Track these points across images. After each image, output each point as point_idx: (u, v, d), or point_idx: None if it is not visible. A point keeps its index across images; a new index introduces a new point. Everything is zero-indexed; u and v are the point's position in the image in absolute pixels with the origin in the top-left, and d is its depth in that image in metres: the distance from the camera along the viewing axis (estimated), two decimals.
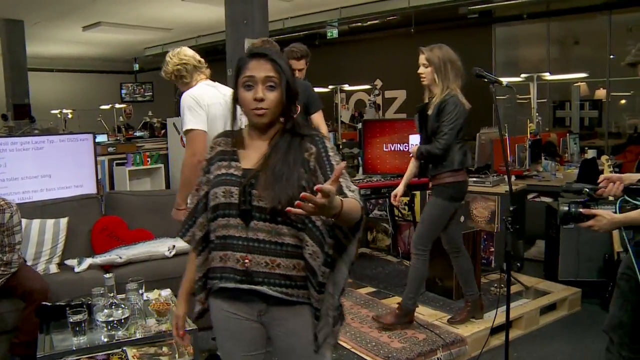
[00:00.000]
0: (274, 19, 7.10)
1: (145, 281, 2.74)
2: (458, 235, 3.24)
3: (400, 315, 3.16)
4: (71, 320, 2.30)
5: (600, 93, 8.05)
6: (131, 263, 3.37)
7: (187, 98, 2.67)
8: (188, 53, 2.84)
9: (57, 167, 3.95)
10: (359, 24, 9.17)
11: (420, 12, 8.09)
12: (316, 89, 3.83)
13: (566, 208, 2.03)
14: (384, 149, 4.54)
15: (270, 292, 1.45)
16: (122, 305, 2.40)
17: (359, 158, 4.99)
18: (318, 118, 3.53)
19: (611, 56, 7.47)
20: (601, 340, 2.30)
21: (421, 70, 2.99)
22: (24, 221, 3.18)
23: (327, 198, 1.15)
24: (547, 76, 6.26)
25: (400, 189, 3.20)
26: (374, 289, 3.93)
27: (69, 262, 3.34)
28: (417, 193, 4.54)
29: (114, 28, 9.58)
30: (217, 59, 5.55)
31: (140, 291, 2.65)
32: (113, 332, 2.34)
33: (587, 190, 2.05)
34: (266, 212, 1.43)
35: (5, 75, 9.43)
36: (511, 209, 2.34)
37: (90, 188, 4.04)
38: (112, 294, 2.47)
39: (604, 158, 3.28)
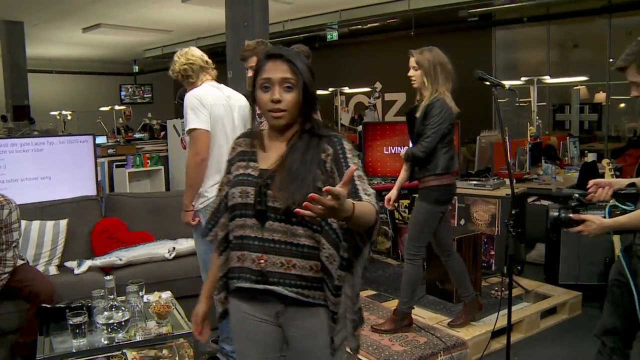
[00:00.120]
0: (274, 21, 7.09)
1: (146, 283, 2.72)
2: (448, 238, 3.23)
3: (398, 320, 3.15)
4: (71, 322, 2.29)
5: (600, 96, 8.07)
6: (131, 265, 3.37)
7: (190, 98, 2.68)
8: (196, 53, 2.87)
9: (56, 169, 3.94)
10: (359, 26, 9.18)
11: (421, 15, 8.09)
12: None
13: (556, 213, 2.04)
14: (384, 152, 4.54)
15: (285, 293, 1.45)
16: (122, 308, 2.39)
17: (359, 161, 4.98)
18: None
19: (611, 59, 7.48)
20: None
21: (411, 73, 3.00)
22: (23, 222, 3.17)
23: (337, 200, 1.13)
24: (548, 79, 6.27)
25: (393, 193, 3.19)
26: (374, 292, 3.92)
27: (68, 264, 3.34)
28: (417, 196, 4.53)
29: (113, 30, 9.58)
30: (218, 61, 5.50)
31: (141, 293, 2.64)
32: (113, 335, 2.33)
33: (577, 195, 2.06)
34: (281, 213, 1.43)
35: (5, 77, 9.43)
36: (513, 212, 2.33)
37: (90, 190, 4.04)
38: (112, 296, 2.46)
39: (605, 162, 3.28)
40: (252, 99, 1.52)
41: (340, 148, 1.47)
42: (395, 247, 4.79)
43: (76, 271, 3.25)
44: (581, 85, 8.02)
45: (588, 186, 2.07)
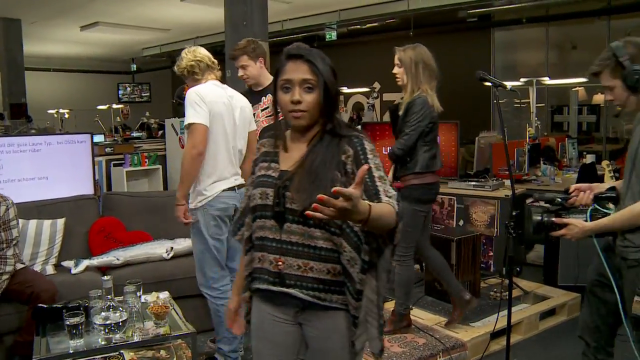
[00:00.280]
0: (272, 20, 7.07)
1: (143, 283, 2.71)
2: (425, 240, 3.21)
3: (396, 321, 3.14)
4: (68, 322, 2.26)
5: (598, 98, 8.06)
6: (129, 265, 3.35)
7: (191, 94, 2.69)
8: (203, 52, 2.90)
9: (54, 169, 3.92)
10: (358, 26, 9.17)
11: (420, 15, 8.08)
12: None
13: (539, 218, 2.10)
14: (383, 152, 4.53)
15: (301, 296, 1.45)
16: (120, 308, 2.37)
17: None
18: None
19: None
20: None
21: (395, 70, 3.00)
22: (20, 221, 3.14)
23: (349, 202, 1.10)
24: (547, 81, 6.27)
25: None
26: None
27: (65, 263, 3.31)
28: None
29: (111, 28, 9.54)
30: (216, 60, 5.52)
31: (138, 293, 2.62)
32: (110, 335, 2.31)
33: (559, 199, 2.12)
34: (298, 215, 1.42)
35: (2, 75, 9.37)
36: (514, 213, 2.32)
37: (87, 189, 4.01)
38: (109, 296, 2.44)
39: (604, 163, 3.27)
40: (274, 100, 1.51)
41: (360, 148, 1.45)
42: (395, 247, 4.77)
43: (73, 271, 3.23)
44: (580, 86, 8.02)
45: (570, 191, 2.14)
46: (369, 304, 1.45)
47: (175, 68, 2.89)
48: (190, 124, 2.65)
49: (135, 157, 6.53)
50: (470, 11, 7.86)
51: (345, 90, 8.57)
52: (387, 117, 10.21)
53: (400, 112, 2.96)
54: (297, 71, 1.43)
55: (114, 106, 9.88)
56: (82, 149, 4.08)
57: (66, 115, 10.01)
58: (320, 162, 1.42)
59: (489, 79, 2.40)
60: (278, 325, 1.53)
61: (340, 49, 10.49)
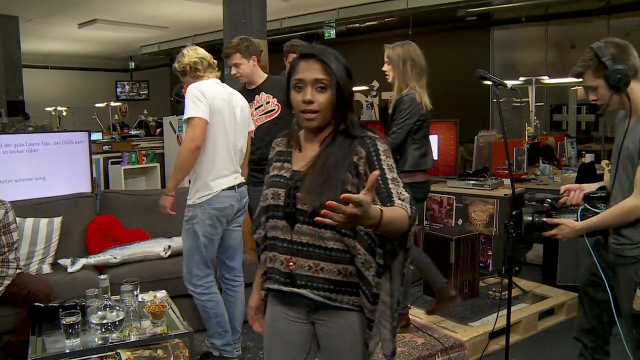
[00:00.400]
0: (271, 18, 7.06)
1: (141, 282, 2.69)
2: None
3: None
4: (64, 322, 2.24)
5: None
6: (126, 263, 3.33)
7: (192, 89, 2.69)
8: (204, 52, 2.91)
9: (51, 169, 3.90)
10: (357, 24, 9.13)
11: (419, 14, 8.05)
12: None
13: (530, 218, 2.11)
14: None
15: (312, 296, 1.44)
16: (117, 307, 2.35)
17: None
18: None
19: None
20: None
21: (384, 67, 2.98)
22: (17, 220, 3.12)
23: (359, 208, 1.08)
24: (546, 80, 6.25)
25: None
26: None
27: (62, 262, 3.29)
28: None
29: (110, 25, 9.50)
30: (215, 58, 5.50)
31: (135, 292, 2.60)
32: (107, 335, 2.29)
33: (550, 200, 2.14)
34: (308, 216, 1.40)
35: None
36: (514, 213, 2.31)
37: (85, 187, 3.99)
38: (106, 295, 2.42)
39: (604, 162, 3.25)
40: (287, 100, 1.49)
41: (373, 150, 1.43)
42: None
43: (70, 269, 3.21)
44: (579, 86, 8.01)
45: (561, 192, 2.16)
46: (382, 306, 1.44)
47: (176, 64, 2.87)
48: (190, 118, 2.64)
49: (133, 155, 6.52)
50: (470, 10, 7.83)
51: None
52: None
53: (390, 110, 2.95)
54: (309, 70, 1.42)
55: (112, 104, 9.85)
56: (80, 148, 4.07)
57: (64, 113, 9.98)
58: (331, 163, 1.40)
59: (489, 77, 2.38)
60: (290, 324, 1.53)
61: (339, 48, 10.26)
